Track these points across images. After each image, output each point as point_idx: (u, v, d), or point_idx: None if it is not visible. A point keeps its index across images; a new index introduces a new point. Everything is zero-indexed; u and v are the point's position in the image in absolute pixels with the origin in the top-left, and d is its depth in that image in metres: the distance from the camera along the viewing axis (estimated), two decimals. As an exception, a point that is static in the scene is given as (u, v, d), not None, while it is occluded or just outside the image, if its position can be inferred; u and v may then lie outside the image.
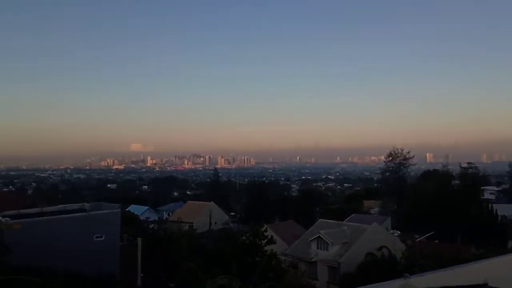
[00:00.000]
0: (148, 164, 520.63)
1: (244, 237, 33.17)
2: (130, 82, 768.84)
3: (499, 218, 63.67)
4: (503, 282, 16.75)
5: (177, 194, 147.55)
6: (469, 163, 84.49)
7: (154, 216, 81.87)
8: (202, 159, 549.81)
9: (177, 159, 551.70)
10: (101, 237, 28.13)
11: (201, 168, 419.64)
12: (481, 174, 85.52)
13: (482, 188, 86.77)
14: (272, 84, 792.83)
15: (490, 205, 67.66)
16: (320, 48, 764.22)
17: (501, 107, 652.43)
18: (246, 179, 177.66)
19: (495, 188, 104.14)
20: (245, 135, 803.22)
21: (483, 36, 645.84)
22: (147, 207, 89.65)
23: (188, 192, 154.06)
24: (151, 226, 55.79)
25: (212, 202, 77.76)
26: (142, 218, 71.44)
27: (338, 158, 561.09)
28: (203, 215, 71.50)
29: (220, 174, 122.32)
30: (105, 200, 52.40)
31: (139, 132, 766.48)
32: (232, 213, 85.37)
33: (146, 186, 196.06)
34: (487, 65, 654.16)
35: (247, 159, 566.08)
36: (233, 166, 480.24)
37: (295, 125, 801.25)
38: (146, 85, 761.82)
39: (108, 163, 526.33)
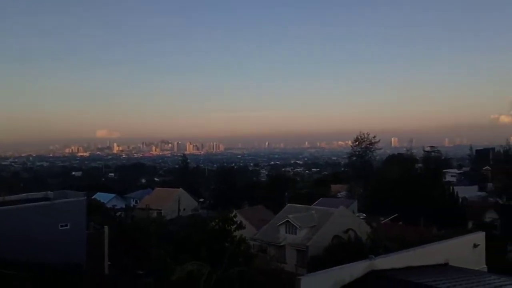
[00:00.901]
0: (114, 151, 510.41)
1: (213, 223, 33.19)
2: (95, 66, 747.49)
3: (460, 200, 66.26)
4: (463, 261, 17.51)
5: (145, 181, 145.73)
6: (432, 147, 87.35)
7: (121, 204, 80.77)
8: (170, 145, 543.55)
9: (144, 145, 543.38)
10: (66, 226, 27.55)
11: (169, 155, 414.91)
12: (443, 158, 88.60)
13: (444, 171, 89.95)
14: (240, 69, 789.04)
15: (451, 187, 70.24)
16: (286, 32, 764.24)
17: (463, 92, 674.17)
18: (215, 165, 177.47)
19: (457, 171, 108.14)
20: (214, 121, 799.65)
21: (444, 20, 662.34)
22: (114, 194, 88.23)
23: (156, 179, 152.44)
24: (118, 214, 55.05)
25: (180, 188, 77.33)
26: (108, 206, 70.29)
27: (307, 143, 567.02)
28: (172, 202, 71.06)
29: (188, 161, 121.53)
30: (70, 188, 51.22)
31: (105, 118, 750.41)
32: (201, 199, 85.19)
33: (112, 174, 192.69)
34: (449, 50, 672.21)
35: (216, 145, 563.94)
36: (202, 152, 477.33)
37: (264, 110, 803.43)
38: (111, 69, 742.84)
39: (72, 150, 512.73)
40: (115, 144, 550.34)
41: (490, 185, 75.47)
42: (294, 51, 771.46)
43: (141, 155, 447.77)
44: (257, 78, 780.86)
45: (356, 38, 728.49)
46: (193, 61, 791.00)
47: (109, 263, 30.89)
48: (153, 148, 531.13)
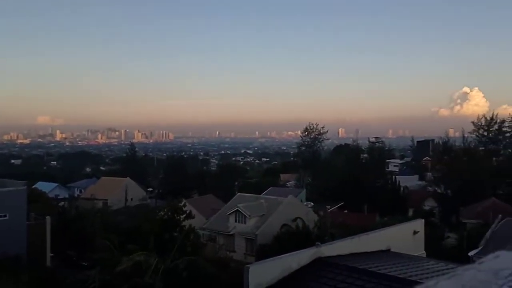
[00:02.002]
0: (57, 139, 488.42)
1: (161, 213, 32.76)
2: (35, 48, 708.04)
3: (402, 188, 69.43)
4: (404, 247, 18.36)
5: (90, 170, 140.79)
6: (376, 138, 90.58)
7: (64, 194, 77.70)
8: (117, 133, 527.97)
9: (89, 133, 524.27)
10: (5, 216, 26.22)
11: (116, 143, 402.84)
12: (386, 148, 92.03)
13: (388, 161, 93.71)
14: (190, 56, 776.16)
15: (394, 177, 73.43)
16: (236, 18, 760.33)
17: (406, 86, 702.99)
18: (164, 154, 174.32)
19: (399, 161, 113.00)
20: (163, 109, 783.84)
21: (389, 14, 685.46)
22: (57, 184, 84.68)
23: (102, 168, 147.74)
24: (61, 204, 52.95)
25: (128, 178, 75.37)
26: (51, 195, 67.41)
27: (257, 133, 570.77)
28: (119, 192, 69.19)
29: (136, 149, 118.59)
30: (8, 177, 48.45)
31: (47, 104, 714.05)
32: (150, 189, 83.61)
33: (55, 162, 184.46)
34: (392, 45, 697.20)
35: (165, 133, 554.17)
36: (151, 141, 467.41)
37: (215, 99, 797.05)
38: (54, 52, 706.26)
39: (11, 137, 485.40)
40: (58, 131, 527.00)
41: (429, 174, 79.40)
42: (243, 39, 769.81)
43: (86, 143, 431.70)
44: (207, 66, 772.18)
45: (302, 28, 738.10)
46: (142, 47, 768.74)
47: (51, 254, 29.77)
48: (99, 136, 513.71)
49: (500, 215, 36.42)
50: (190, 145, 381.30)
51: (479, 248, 29.98)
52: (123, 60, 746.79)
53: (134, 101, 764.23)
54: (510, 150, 72.55)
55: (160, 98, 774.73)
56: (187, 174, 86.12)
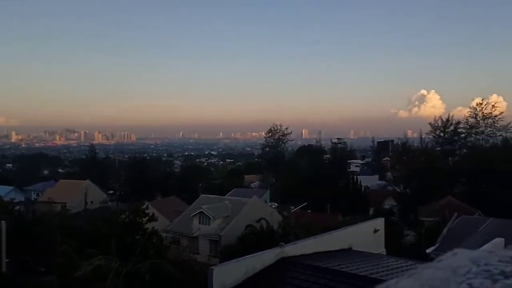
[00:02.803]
0: (13, 140, 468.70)
1: (123, 216, 32.08)
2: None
3: (363, 188, 71.03)
4: (365, 245, 18.77)
5: (47, 172, 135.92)
6: (338, 139, 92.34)
7: (20, 197, 74.79)
8: (76, 134, 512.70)
9: (47, 134, 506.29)
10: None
11: (75, 145, 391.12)
12: (348, 149, 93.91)
13: (349, 161, 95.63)
14: (152, 56, 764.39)
15: (355, 177, 75.00)
16: (201, 18, 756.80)
17: (367, 88, 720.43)
18: (126, 156, 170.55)
19: (360, 162, 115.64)
20: (125, 110, 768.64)
21: (351, 17, 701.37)
22: (12, 187, 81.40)
23: (60, 170, 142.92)
24: (17, 207, 50.90)
25: (87, 180, 73.35)
26: (6, 199, 64.56)
27: (221, 134, 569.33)
28: (78, 195, 67.24)
29: (97, 151, 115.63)
30: (-41, 181, 46.22)
31: (0, 104, 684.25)
32: (111, 191, 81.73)
33: (10, 164, 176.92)
34: (354, 50, 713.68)
35: (127, 134, 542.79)
36: (112, 142, 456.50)
37: (178, 100, 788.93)
38: (6, 50, 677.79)
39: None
40: (13, 133, 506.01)
41: (389, 174, 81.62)
42: (207, 41, 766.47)
43: (43, 144, 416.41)
44: (170, 66, 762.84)
45: (264, 30, 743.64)
46: (103, 44, 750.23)
47: (7, 260, 28.52)
48: (57, 137, 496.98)
49: (456, 213, 37.86)
50: (153, 146, 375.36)
51: (436, 245, 31.05)
52: (82, 59, 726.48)
53: (93, 102, 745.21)
54: (465, 151, 75.54)
55: (121, 99, 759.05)
56: (149, 176, 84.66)
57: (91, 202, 66.88)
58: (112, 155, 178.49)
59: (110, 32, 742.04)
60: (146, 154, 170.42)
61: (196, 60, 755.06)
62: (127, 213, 31.88)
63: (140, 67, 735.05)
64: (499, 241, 19.69)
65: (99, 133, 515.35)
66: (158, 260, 25.82)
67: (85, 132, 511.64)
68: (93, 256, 24.47)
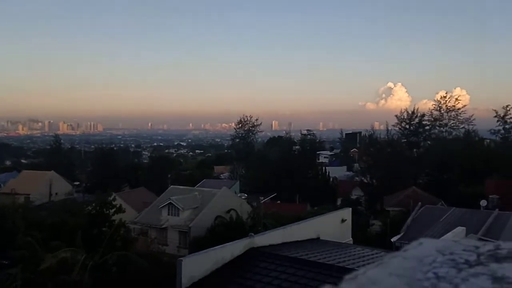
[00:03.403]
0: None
1: (89, 207, 31.45)
2: None
3: (331, 179, 72.16)
4: (332, 234, 19.12)
5: (10, 163, 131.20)
6: (308, 130, 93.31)
7: (-19, 189, 71.89)
8: (40, 124, 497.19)
9: (9, 124, 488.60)
10: None
11: (39, 135, 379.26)
12: (317, 140, 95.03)
13: (318, 153, 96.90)
14: (119, 44, 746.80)
15: (324, 168, 76.11)
16: (171, 8, 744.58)
17: (335, 80, 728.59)
18: (92, 146, 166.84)
19: (329, 153, 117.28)
20: (91, 99, 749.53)
21: (324, 6, 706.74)
22: (-28, 178, 78.21)
23: (23, 161, 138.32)
24: (-23, 200, 49.09)
25: (52, 171, 71.36)
26: (-35, 191, 62.14)
27: (191, 125, 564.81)
28: (42, 186, 65.33)
29: (62, 141, 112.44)
30: None
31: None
32: (77, 183, 79.74)
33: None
34: (322, 42, 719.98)
35: (93, 124, 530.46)
36: (78, 133, 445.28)
37: (147, 89, 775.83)
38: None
39: None
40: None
41: (356, 165, 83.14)
42: (176, 29, 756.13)
43: (5, 134, 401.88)
44: (139, 55, 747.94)
45: (233, 22, 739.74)
46: (67, 30, 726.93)
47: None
48: (20, 127, 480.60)
49: (419, 203, 39.06)
50: (120, 137, 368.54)
51: (401, 234, 31.96)
52: (45, 45, 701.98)
53: (58, 91, 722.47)
54: (429, 142, 77.78)
55: (87, 88, 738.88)
56: (117, 167, 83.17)
57: (56, 193, 65.17)
58: (78, 146, 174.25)
59: (77, 17, 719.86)
60: (113, 145, 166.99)
61: (166, 49, 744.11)
62: (93, 204, 31.25)
63: (108, 55, 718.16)
64: (460, 229, 20.49)
65: (64, 123, 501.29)
66: (126, 252, 25.51)
67: (49, 122, 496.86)
68: (58, 248, 23.92)
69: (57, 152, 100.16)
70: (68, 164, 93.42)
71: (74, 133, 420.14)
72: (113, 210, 30.39)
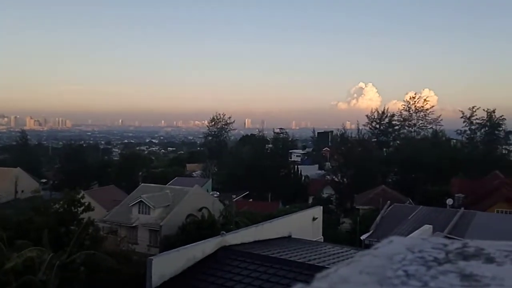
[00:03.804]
0: None
1: (57, 205, 30.70)
2: None
3: (303, 177, 72.83)
4: (304, 233, 19.29)
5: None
6: (281, 129, 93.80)
7: None
8: (6, 119, 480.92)
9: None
10: None
11: (4, 130, 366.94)
12: (290, 139, 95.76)
13: (290, 151, 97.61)
14: (89, 37, 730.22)
15: (296, 166, 76.74)
16: (144, 6, 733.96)
17: (308, 78, 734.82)
18: (60, 143, 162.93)
19: (301, 152, 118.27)
20: (60, 94, 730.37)
21: (293, 5, 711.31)
22: None
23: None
24: None
25: (18, 168, 69.34)
26: None
27: (163, 122, 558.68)
28: (7, 183, 63.39)
29: (28, 137, 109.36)
30: None
31: None
32: (44, 180, 77.73)
33: None
34: (295, 43, 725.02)
35: (62, 120, 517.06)
36: (45, 128, 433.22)
37: (118, 85, 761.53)
38: None
39: None
40: None
41: (328, 164, 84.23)
42: (149, 24, 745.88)
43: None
44: (109, 49, 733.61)
45: (207, 18, 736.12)
46: (34, 22, 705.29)
47: None
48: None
49: (388, 201, 39.92)
50: (90, 133, 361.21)
51: (370, 232, 32.56)
52: (10, 37, 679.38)
53: (25, 85, 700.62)
54: (398, 142, 79.60)
55: (56, 82, 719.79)
56: (86, 164, 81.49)
57: (22, 191, 63.42)
58: (45, 142, 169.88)
59: (45, 7, 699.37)
60: (82, 141, 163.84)
61: (138, 44, 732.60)
62: (61, 202, 30.52)
63: (78, 49, 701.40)
64: (427, 227, 21.04)
65: (31, 118, 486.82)
66: (94, 251, 25.06)
67: (15, 117, 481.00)
68: (24, 247, 23.26)
69: (23, 148, 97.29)
70: (35, 161, 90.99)
71: (41, 129, 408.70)
72: (81, 208, 29.79)
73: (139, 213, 39.78)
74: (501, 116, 72.65)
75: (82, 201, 30.33)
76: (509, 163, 66.10)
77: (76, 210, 29.53)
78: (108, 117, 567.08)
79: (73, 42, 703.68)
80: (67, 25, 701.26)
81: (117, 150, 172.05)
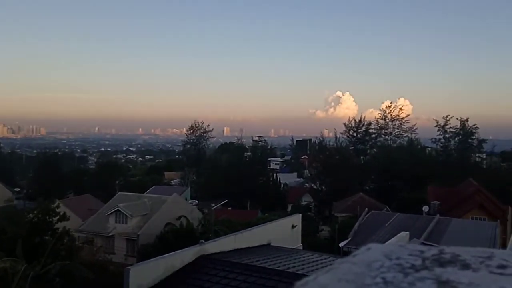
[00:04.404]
0: None
1: (31, 215, 29.98)
2: None
3: (282, 185, 73.04)
4: (283, 241, 19.34)
5: None
6: (259, 137, 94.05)
7: None
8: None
9: None
10: None
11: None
12: (269, 147, 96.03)
13: (269, 159, 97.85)
14: (63, 44, 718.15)
15: (275, 174, 76.95)
16: (115, 14, 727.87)
17: (286, 87, 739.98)
18: (35, 151, 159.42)
19: (280, 159, 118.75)
20: (34, 101, 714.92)
21: (273, 12, 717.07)
22: None
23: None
24: None
25: (-10, 176, 67.52)
26: None
27: (140, 129, 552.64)
28: (-21, 192, 61.63)
29: (1, 145, 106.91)
30: None
31: None
32: (17, 189, 75.75)
33: None
34: (274, 45, 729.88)
35: (36, 128, 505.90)
36: (19, 136, 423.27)
37: (94, 92, 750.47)
38: None
39: None
40: None
41: (306, 172, 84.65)
42: (126, 32, 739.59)
43: None
44: (85, 56, 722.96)
45: (186, 27, 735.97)
46: (7, 30, 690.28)
47: None
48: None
49: (366, 209, 40.35)
50: (65, 141, 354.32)
51: (349, 239, 32.83)
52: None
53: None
54: (375, 150, 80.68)
55: (30, 89, 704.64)
56: (61, 173, 79.80)
57: (-6, 200, 61.56)
58: (18, 150, 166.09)
59: (18, 15, 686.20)
60: (57, 150, 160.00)
61: (114, 51, 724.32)
62: (35, 212, 29.82)
63: (52, 55, 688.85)
64: (404, 234, 21.38)
65: (4, 126, 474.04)
66: (70, 261, 24.53)
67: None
68: (-4, 258, 22.61)
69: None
70: (8, 170, 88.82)
71: (15, 137, 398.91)
72: (56, 218, 29.18)
73: (116, 222, 39.15)
74: (474, 125, 74.56)
75: (57, 210, 29.73)
76: (482, 170, 67.82)
77: (51, 219, 28.92)
78: (84, 125, 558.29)
79: (48, 49, 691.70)
80: (41, 32, 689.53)
81: (93, 158, 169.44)
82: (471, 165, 68.91)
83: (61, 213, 29.76)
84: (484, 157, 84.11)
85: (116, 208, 39.12)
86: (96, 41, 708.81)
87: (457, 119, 75.04)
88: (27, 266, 22.45)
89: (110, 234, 38.32)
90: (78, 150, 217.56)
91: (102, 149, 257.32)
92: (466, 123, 74.13)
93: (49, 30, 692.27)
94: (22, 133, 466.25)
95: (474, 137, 75.03)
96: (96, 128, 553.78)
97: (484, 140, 77.28)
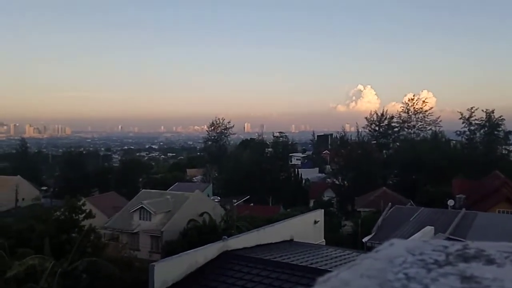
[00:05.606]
0: None
1: (58, 213, 30.70)
2: None
3: (304, 181, 72.79)
4: (305, 236, 19.28)
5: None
6: (280, 132, 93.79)
7: None
8: (5, 127, 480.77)
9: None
10: None
11: (4, 138, 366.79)
12: (290, 143, 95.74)
13: (291, 155, 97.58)
14: (89, 45, 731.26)
15: (296, 170, 76.72)
16: (136, 11, 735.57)
17: (307, 82, 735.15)
18: (60, 150, 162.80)
19: (301, 155, 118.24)
20: (59, 101, 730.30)
21: (294, 6, 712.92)
22: None
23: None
24: None
25: (18, 176, 69.28)
26: None
27: (162, 127, 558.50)
28: (8, 191, 63.27)
29: (28, 145, 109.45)
30: None
31: None
32: (44, 188, 77.65)
33: None
34: (295, 39, 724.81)
35: (61, 128, 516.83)
36: (45, 136, 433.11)
37: (116, 91, 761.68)
38: None
39: None
40: None
41: (328, 167, 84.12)
42: (148, 30, 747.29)
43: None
44: (108, 56, 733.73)
45: (206, 22, 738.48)
46: (34, 28, 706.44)
47: None
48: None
49: (390, 203, 39.85)
50: (89, 140, 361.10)
51: (372, 234, 32.48)
52: (9, 45, 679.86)
53: (24, 93, 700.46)
54: (398, 144, 79.59)
55: (55, 90, 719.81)
56: (86, 171, 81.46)
57: (23, 199, 63.32)
58: (45, 150, 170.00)
59: (43, 15, 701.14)
60: (82, 148, 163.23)
61: (136, 50, 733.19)
62: (62, 210, 30.52)
63: (76, 56, 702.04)
64: (429, 229, 21.01)
65: (30, 126, 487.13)
66: (96, 258, 25.01)
67: (14, 125, 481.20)
68: (26, 255, 23.23)
69: (23, 156, 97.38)
70: (35, 169, 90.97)
71: (41, 137, 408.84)
72: (82, 215, 29.79)
73: (140, 219, 39.74)
74: (500, 117, 72.59)
75: (83, 208, 30.33)
76: (509, 163, 66.06)
77: (77, 217, 29.53)
78: (108, 123, 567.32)
79: (72, 49, 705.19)
80: (66, 31, 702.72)
81: (117, 156, 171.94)
82: (497, 158, 67.16)
83: (87, 211, 30.35)
84: (511, 149, 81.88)
85: (140, 205, 39.70)
86: (119, 39, 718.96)
87: (482, 110, 73.20)
88: (55, 263, 23.00)
89: (135, 231, 38.94)
90: (102, 149, 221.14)
91: (126, 147, 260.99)
92: (491, 114, 72.23)
93: (73, 30, 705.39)
94: (48, 133, 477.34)
95: (500, 129, 73.05)
96: (119, 127, 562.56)
97: (510, 132, 75.20)
